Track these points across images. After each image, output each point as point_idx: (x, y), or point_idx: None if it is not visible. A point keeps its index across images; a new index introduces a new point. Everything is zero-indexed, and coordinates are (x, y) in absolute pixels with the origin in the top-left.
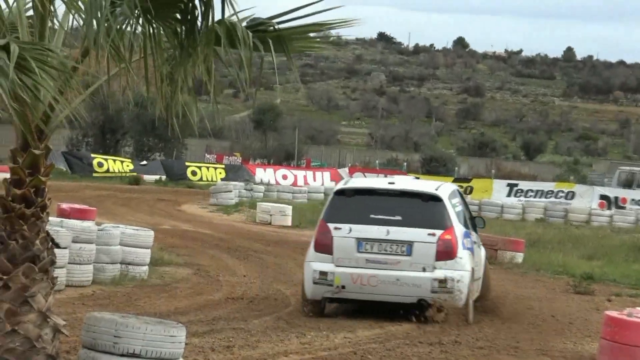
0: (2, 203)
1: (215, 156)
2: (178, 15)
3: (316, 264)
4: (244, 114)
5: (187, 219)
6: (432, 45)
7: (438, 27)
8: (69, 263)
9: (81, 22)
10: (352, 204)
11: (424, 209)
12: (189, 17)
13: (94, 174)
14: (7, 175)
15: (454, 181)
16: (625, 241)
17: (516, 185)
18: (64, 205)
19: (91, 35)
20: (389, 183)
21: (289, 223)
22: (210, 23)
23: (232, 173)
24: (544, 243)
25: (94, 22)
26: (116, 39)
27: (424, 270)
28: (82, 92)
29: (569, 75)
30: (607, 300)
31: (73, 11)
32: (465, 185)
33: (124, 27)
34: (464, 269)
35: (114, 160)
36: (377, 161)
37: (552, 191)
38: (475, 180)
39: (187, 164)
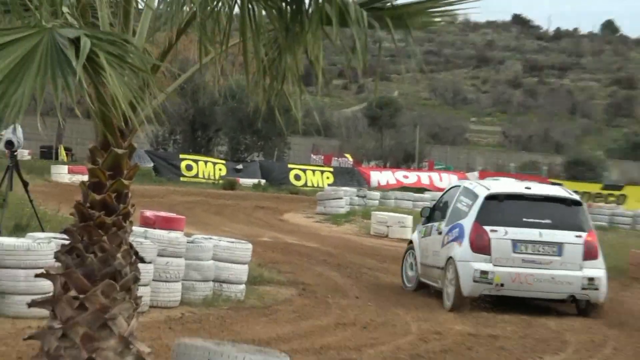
0: (79, 210)
1: (322, 157)
2: None
3: (476, 263)
4: (356, 108)
5: (290, 230)
6: (575, 29)
7: (583, 9)
8: (154, 280)
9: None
10: (504, 208)
11: (569, 213)
12: None
13: (182, 179)
14: (85, 178)
15: (604, 188)
16: None
17: None
18: (148, 213)
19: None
20: (526, 188)
21: (409, 236)
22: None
23: (342, 177)
24: None
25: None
26: (210, 21)
27: (575, 269)
28: (167, 86)
29: None
30: None
31: None
32: (616, 193)
33: (219, 5)
34: (604, 267)
35: (205, 163)
36: (511, 164)
37: None
38: (629, 187)
39: (290, 166)
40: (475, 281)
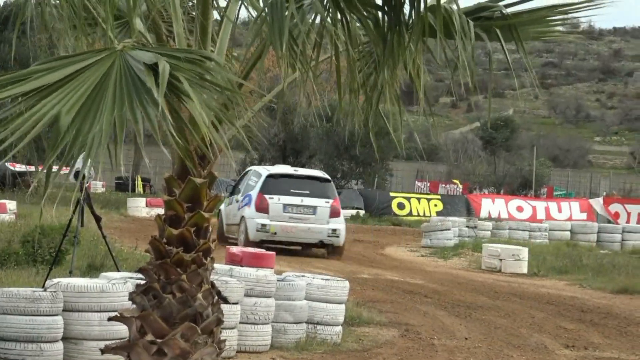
0: (155, 246)
1: (428, 184)
2: (378, 0)
3: (259, 219)
4: (465, 128)
5: (392, 266)
6: None
7: None
8: (240, 322)
9: (254, 14)
10: (279, 183)
11: (321, 187)
12: (392, 2)
13: None
14: (161, 211)
15: None
16: None
17: None
18: (235, 249)
19: (275, 38)
20: (294, 170)
21: (525, 270)
22: (422, 8)
23: (451, 206)
24: None
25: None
26: (301, 35)
27: (323, 223)
28: (252, 105)
29: None
30: None
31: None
32: None
33: (309, 20)
34: (344, 222)
35: None
36: None
37: None
38: None
39: (391, 194)
40: (257, 230)
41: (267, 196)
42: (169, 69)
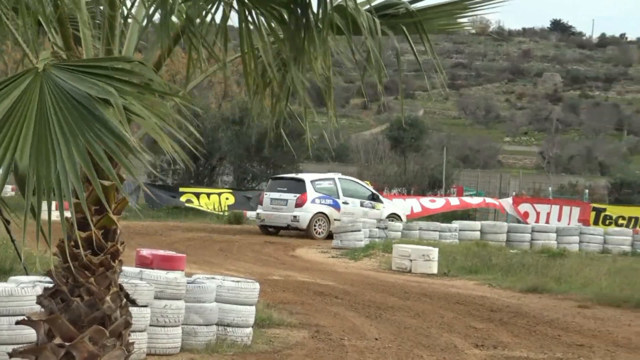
0: (63, 249)
1: None
2: None
3: (258, 210)
4: (376, 130)
5: (303, 267)
6: (623, 35)
7: (630, 11)
8: (150, 325)
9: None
10: (271, 184)
11: (295, 185)
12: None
13: (186, 205)
14: (68, 214)
15: None
16: None
17: None
18: (145, 252)
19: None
20: (295, 174)
21: (435, 270)
22: (329, 7)
23: None
24: None
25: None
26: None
27: (290, 212)
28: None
29: None
30: None
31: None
32: None
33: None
34: (307, 211)
35: (208, 195)
36: (550, 188)
37: None
38: None
39: None
40: (257, 218)
41: (265, 193)
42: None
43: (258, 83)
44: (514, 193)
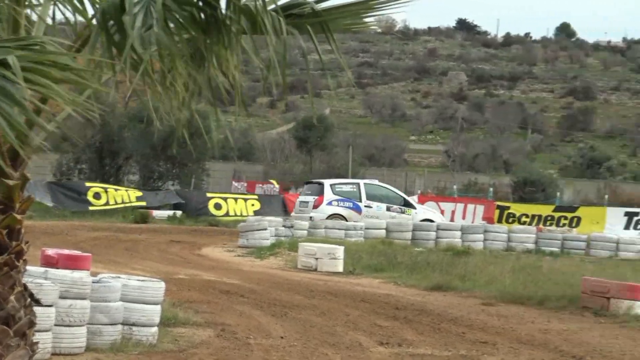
0: None
1: (245, 184)
2: None
3: (293, 213)
4: (282, 129)
5: (209, 266)
6: (527, 34)
7: (535, 11)
8: (55, 325)
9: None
10: (305, 188)
11: (316, 189)
12: None
13: (90, 207)
14: None
15: (556, 210)
16: None
17: (637, 214)
18: (50, 251)
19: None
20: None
21: (340, 269)
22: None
23: (268, 206)
24: None
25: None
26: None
27: (309, 212)
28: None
29: None
30: None
31: None
32: (569, 215)
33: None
34: (322, 212)
35: (116, 190)
36: (454, 186)
37: None
38: (584, 208)
39: (208, 195)
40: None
41: (298, 197)
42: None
43: (165, 81)
44: (419, 191)
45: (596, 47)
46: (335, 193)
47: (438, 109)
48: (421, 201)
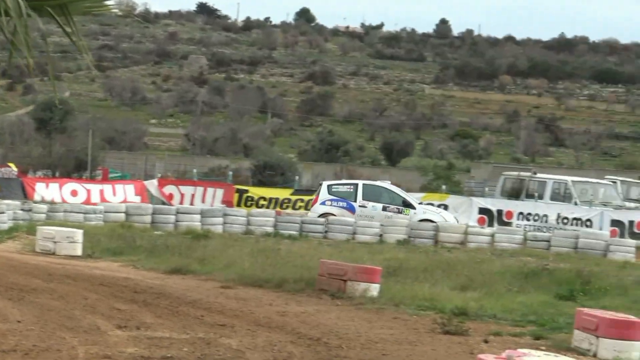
0: None
1: None
2: None
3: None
4: (22, 111)
5: None
6: (267, 19)
7: None
8: None
9: None
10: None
11: (318, 189)
12: None
13: None
14: None
15: (295, 193)
16: (510, 266)
17: None
18: None
19: None
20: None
21: (79, 252)
22: None
23: (7, 189)
24: (407, 271)
25: None
26: None
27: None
28: None
29: (443, 56)
30: (483, 341)
31: None
32: (306, 199)
33: None
34: (315, 211)
35: None
36: (194, 170)
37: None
38: None
39: None
40: None
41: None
42: None
43: None
44: (159, 175)
45: (335, 32)
46: (331, 193)
47: (178, 92)
48: (161, 185)
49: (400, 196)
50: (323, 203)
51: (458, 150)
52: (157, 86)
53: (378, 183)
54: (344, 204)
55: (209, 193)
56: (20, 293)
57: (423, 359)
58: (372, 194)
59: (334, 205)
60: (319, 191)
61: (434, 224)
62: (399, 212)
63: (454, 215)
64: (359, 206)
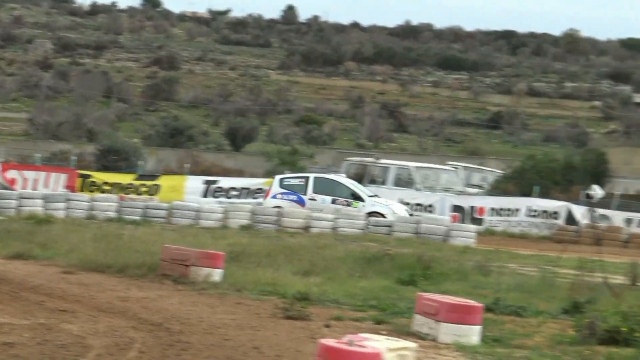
0: None
1: None
2: None
3: None
4: None
5: None
6: (113, 3)
7: None
8: None
9: None
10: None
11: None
12: None
13: None
14: None
15: (138, 178)
16: (352, 252)
17: (214, 182)
18: None
19: None
20: None
21: None
22: None
23: None
24: (250, 256)
25: None
26: None
27: None
28: None
29: (289, 42)
30: (324, 326)
31: None
32: (149, 184)
33: None
34: (265, 204)
35: None
36: (37, 155)
37: (262, 189)
38: (164, 177)
39: None
40: None
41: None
42: None
43: None
44: (1, 160)
45: (182, 17)
46: (282, 186)
47: (23, 77)
48: (4, 169)
49: (350, 189)
50: (274, 197)
51: (302, 135)
52: (1, 70)
53: (331, 176)
54: (294, 197)
55: (52, 178)
56: None
57: (265, 343)
58: (322, 187)
59: (284, 199)
60: (272, 184)
61: (378, 216)
62: (348, 204)
63: (405, 208)
64: (309, 199)
